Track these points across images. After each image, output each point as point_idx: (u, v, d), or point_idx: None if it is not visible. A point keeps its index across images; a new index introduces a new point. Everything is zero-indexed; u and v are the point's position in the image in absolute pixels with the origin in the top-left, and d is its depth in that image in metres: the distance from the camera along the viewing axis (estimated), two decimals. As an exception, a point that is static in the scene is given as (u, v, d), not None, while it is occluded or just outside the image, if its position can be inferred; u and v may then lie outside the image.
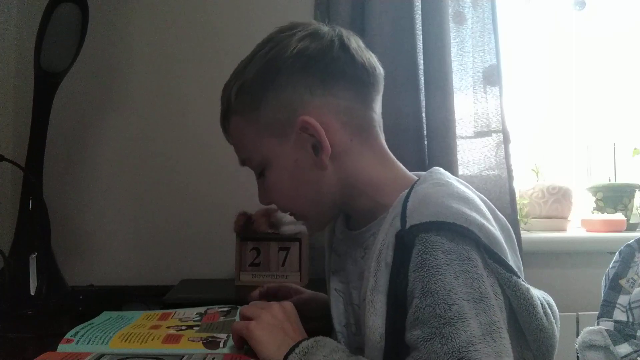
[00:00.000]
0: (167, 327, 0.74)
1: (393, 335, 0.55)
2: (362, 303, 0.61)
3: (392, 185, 0.68)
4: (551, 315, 0.63)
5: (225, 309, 0.82)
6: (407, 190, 0.63)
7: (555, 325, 0.63)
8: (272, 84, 0.67)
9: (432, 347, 0.50)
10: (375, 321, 0.57)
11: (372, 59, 0.71)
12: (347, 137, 0.68)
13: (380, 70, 0.71)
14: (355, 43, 0.70)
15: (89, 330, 0.72)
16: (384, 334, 0.56)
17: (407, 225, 0.56)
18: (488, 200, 0.66)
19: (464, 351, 0.48)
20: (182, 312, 0.82)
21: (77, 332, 0.70)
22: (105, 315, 0.81)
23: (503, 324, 0.52)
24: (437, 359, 0.49)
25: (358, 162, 0.69)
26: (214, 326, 0.75)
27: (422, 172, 0.71)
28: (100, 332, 0.71)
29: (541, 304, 0.61)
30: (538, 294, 0.64)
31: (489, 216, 0.59)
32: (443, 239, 0.54)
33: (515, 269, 0.58)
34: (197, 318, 0.79)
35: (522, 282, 0.57)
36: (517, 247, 0.67)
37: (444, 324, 0.50)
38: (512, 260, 0.61)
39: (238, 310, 0.79)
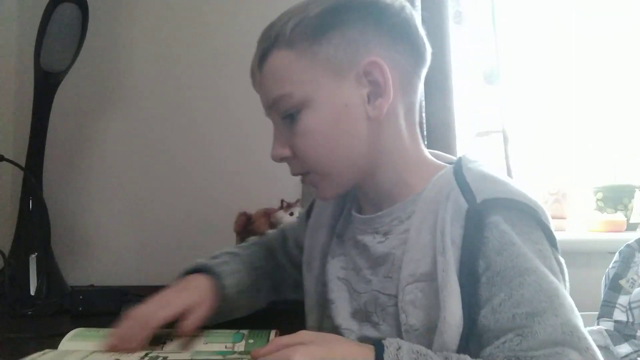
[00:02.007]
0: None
1: (469, 317, 0.54)
2: (405, 289, 0.58)
3: (421, 166, 0.67)
4: None
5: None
6: (445, 170, 0.63)
7: None
8: (340, 22, 0.63)
9: (547, 321, 0.50)
10: (453, 304, 0.53)
11: (426, 39, 0.70)
12: (399, 98, 0.65)
13: (430, 49, 0.70)
14: (419, 17, 0.69)
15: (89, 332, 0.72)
16: (462, 316, 0.53)
17: (478, 200, 0.55)
18: None
19: (574, 323, 0.50)
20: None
21: (76, 335, 0.70)
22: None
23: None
24: (553, 332, 0.49)
25: (399, 131, 0.66)
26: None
27: (451, 157, 0.70)
28: (100, 332, 0.70)
29: None
30: None
31: None
32: (515, 217, 0.55)
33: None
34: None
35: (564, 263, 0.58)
36: None
37: (552, 297, 0.51)
38: None
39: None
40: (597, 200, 1.60)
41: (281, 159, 0.67)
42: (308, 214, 0.83)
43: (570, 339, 0.48)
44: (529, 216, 0.55)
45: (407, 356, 0.48)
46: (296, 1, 0.68)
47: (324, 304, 0.73)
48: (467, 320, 0.53)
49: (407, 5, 0.68)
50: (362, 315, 0.67)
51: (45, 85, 1.12)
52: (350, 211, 0.74)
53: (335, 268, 0.73)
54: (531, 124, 1.68)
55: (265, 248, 0.89)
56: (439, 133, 1.29)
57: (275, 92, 0.64)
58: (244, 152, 1.40)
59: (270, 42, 0.64)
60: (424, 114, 1.33)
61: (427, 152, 0.71)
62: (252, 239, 0.95)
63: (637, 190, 1.59)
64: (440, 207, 0.58)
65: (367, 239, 0.68)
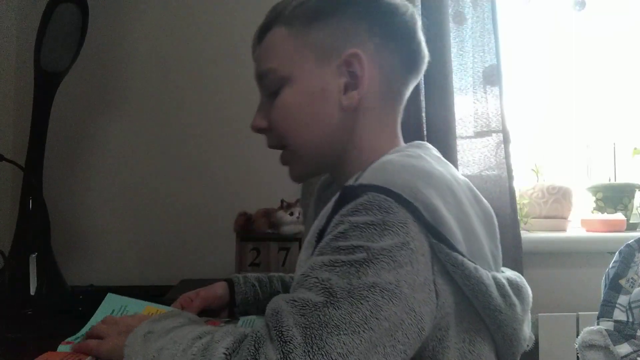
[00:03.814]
0: None
1: None
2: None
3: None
4: (513, 297, 0.58)
5: (225, 320, 0.82)
6: (389, 149, 0.63)
7: (516, 308, 0.58)
8: (339, 10, 0.65)
9: (321, 275, 0.48)
10: (301, 258, 0.56)
11: (425, 46, 0.71)
12: (379, 94, 0.66)
13: (428, 59, 0.71)
14: (420, 24, 0.70)
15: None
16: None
17: (356, 183, 0.54)
18: (473, 187, 0.65)
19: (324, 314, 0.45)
20: None
21: (78, 338, 0.70)
22: (108, 305, 0.79)
23: (399, 318, 0.47)
24: (307, 301, 0.46)
25: (374, 125, 0.67)
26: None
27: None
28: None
29: (499, 283, 0.57)
30: (508, 275, 0.62)
31: (449, 199, 0.56)
32: (378, 202, 0.51)
33: (479, 255, 0.56)
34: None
35: (469, 262, 0.53)
36: (497, 237, 0.65)
37: (328, 288, 0.47)
38: (488, 247, 0.60)
39: (239, 322, 0.79)
40: (597, 200, 1.60)
41: (258, 130, 0.71)
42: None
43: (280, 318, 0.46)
44: (395, 205, 0.51)
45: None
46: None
47: None
48: None
49: (412, 10, 0.69)
50: None
51: (45, 85, 1.12)
52: None
53: None
54: (531, 124, 1.68)
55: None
56: (439, 133, 1.30)
57: (263, 65, 0.68)
58: (244, 152, 1.40)
59: (273, 17, 0.68)
60: (423, 114, 1.33)
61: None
62: None
63: (637, 190, 1.59)
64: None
65: None
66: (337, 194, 0.55)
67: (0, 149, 1.12)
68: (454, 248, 0.52)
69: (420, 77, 0.72)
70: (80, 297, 1.10)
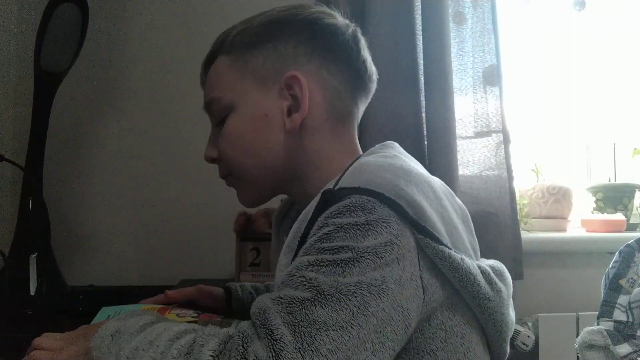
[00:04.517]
0: None
1: None
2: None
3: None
4: (499, 282, 0.59)
5: (219, 319, 0.82)
6: (351, 161, 0.61)
7: (502, 294, 0.58)
8: (275, 35, 0.67)
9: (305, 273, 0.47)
10: (282, 261, 0.56)
11: (372, 63, 0.72)
12: (324, 114, 0.67)
13: (376, 76, 0.73)
14: (364, 42, 0.72)
15: None
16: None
17: (337, 187, 0.54)
18: (446, 185, 0.67)
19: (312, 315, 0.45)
20: (179, 309, 0.83)
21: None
22: (103, 313, 0.80)
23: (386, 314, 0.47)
24: (292, 300, 0.46)
25: (322, 143, 0.68)
26: (212, 323, 0.75)
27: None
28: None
29: (484, 271, 0.57)
30: (489, 263, 0.63)
31: (430, 194, 0.56)
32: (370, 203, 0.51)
33: (461, 247, 0.57)
34: (195, 315, 0.80)
35: (455, 253, 0.53)
36: (473, 230, 0.67)
37: (316, 286, 0.47)
38: (468, 240, 0.61)
39: (233, 323, 0.79)
40: (597, 200, 1.60)
41: (211, 160, 0.74)
42: None
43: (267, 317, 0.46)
44: (378, 205, 0.51)
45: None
46: (291, 3, 0.70)
47: None
48: None
49: (353, 28, 0.70)
50: None
51: (45, 85, 1.12)
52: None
53: None
54: (531, 124, 1.68)
55: None
56: (438, 133, 1.29)
57: (211, 94, 0.70)
58: (244, 152, 1.40)
59: (217, 47, 0.72)
60: (423, 114, 1.33)
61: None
62: None
63: (637, 190, 1.59)
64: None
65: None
66: (317, 198, 0.55)
67: (0, 149, 1.12)
68: (439, 241, 0.52)
69: (371, 94, 0.74)
70: (80, 297, 1.11)
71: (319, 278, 0.47)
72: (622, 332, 0.99)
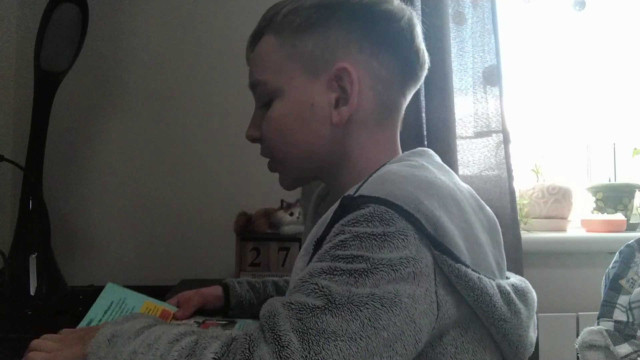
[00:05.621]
0: None
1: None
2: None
3: None
4: (518, 303, 0.57)
5: (223, 322, 0.81)
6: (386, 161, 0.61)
7: (521, 315, 0.57)
8: (327, 20, 0.63)
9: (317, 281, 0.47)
10: (298, 265, 0.55)
11: (425, 52, 0.69)
12: (371, 108, 0.65)
13: (428, 65, 0.70)
14: (419, 29, 0.68)
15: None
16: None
17: (357, 194, 0.52)
18: (476, 195, 0.64)
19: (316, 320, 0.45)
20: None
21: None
22: (107, 295, 0.79)
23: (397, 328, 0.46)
24: (302, 307, 0.46)
25: (365, 139, 0.66)
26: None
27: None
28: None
29: (503, 291, 0.55)
30: (512, 281, 0.60)
31: (452, 209, 0.54)
32: (379, 214, 0.50)
33: (486, 265, 0.55)
34: (196, 325, 0.79)
35: (473, 272, 0.52)
36: (501, 244, 0.64)
37: (328, 294, 0.46)
38: (493, 255, 0.59)
39: (236, 325, 0.79)
40: (597, 200, 1.60)
41: (252, 140, 0.71)
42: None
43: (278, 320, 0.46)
44: (397, 217, 0.50)
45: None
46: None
47: None
48: None
49: (409, 14, 0.67)
50: None
51: (45, 85, 1.12)
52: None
53: None
54: (531, 124, 1.68)
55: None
56: (439, 133, 1.29)
57: (255, 76, 0.68)
58: (244, 152, 1.39)
59: (264, 24, 0.67)
60: (423, 114, 1.33)
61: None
62: None
63: (637, 190, 1.59)
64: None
65: None
66: (337, 204, 0.54)
67: (0, 149, 1.12)
68: (457, 259, 0.51)
69: (420, 84, 0.71)
70: (80, 297, 1.10)
71: (332, 287, 0.47)
72: (622, 332, 0.99)
